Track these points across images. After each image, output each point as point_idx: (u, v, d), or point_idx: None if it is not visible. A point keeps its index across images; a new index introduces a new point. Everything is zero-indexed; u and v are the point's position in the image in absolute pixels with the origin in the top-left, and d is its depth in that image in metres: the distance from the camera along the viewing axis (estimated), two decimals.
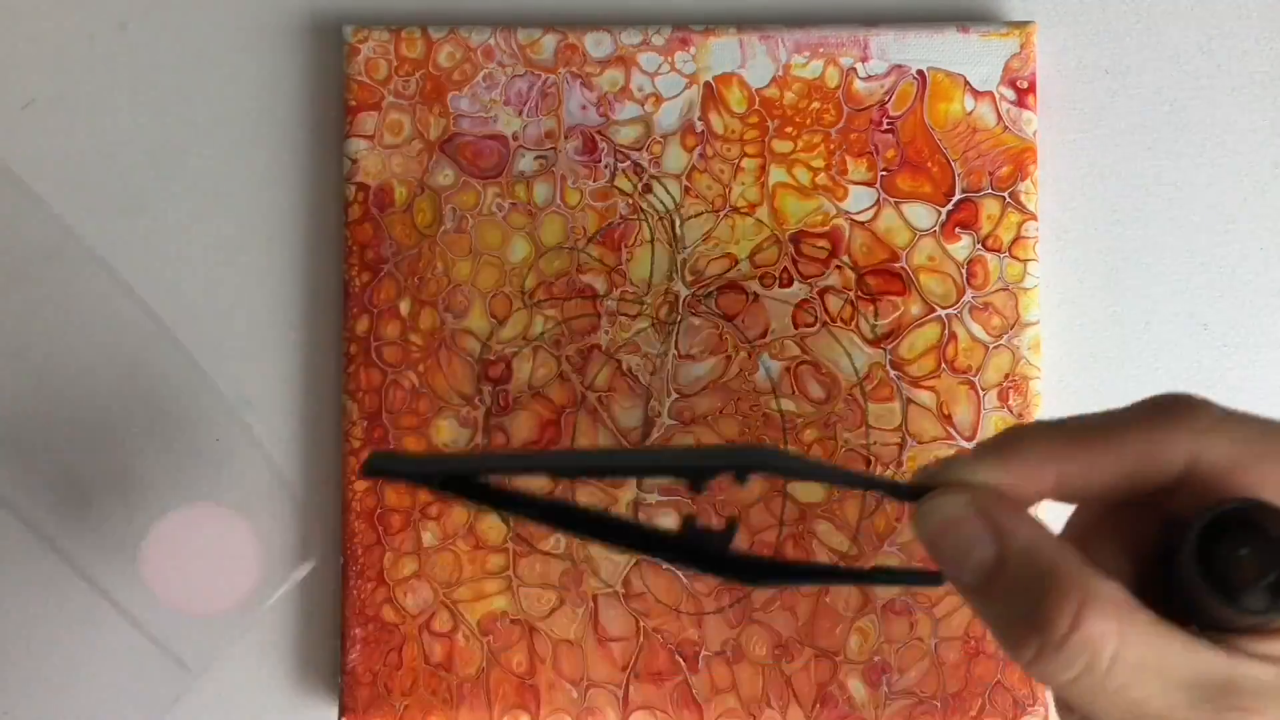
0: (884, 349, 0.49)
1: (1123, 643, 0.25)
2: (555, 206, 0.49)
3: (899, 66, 0.49)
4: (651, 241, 0.49)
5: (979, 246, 0.49)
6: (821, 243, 0.49)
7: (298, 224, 0.51)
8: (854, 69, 0.49)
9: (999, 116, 0.49)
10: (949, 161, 0.49)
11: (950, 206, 0.49)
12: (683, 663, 0.48)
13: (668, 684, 0.48)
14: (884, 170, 0.49)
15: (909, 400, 0.49)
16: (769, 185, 0.49)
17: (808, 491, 0.48)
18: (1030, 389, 0.48)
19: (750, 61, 0.49)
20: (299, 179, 0.51)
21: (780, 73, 0.49)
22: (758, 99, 0.49)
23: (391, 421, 0.49)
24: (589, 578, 0.48)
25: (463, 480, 0.31)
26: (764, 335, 0.49)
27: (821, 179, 0.49)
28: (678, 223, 0.49)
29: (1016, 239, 0.49)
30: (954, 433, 0.48)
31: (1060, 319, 0.50)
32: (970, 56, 0.49)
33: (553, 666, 0.48)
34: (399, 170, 0.49)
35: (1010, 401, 0.48)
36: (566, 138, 0.49)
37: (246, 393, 0.51)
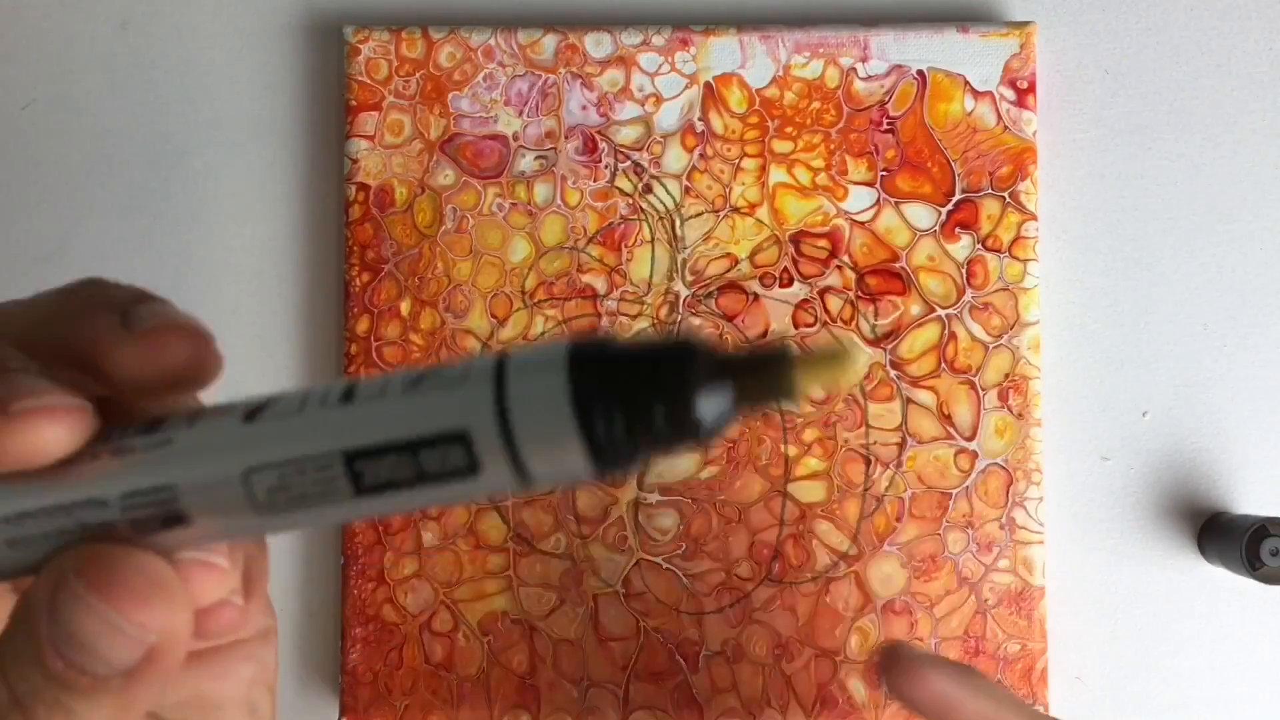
0: (884, 349, 0.49)
1: None
2: (555, 206, 0.49)
3: (899, 67, 0.49)
4: (652, 241, 0.49)
5: (979, 246, 0.49)
6: (821, 243, 0.49)
7: (298, 224, 0.51)
8: (854, 69, 0.49)
9: (999, 116, 0.49)
10: (949, 161, 0.49)
11: (950, 206, 0.49)
12: (683, 662, 0.48)
13: (668, 684, 0.48)
14: (884, 170, 0.49)
15: (909, 400, 0.49)
16: (769, 185, 0.49)
17: (808, 492, 0.48)
18: (1030, 389, 0.48)
19: (750, 61, 0.49)
20: (299, 179, 0.51)
21: (780, 73, 0.49)
22: (758, 99, 0.49)
23: None
24: (589, 577, 0.48)
25: None
26: (764, 335, 0.49)
27: (822, 179, 0.49)
28: (678, 223, 0.49)
29: (1016, 239, 0.49)
30: (954, 433, 0.48)
31: (1060, 319, 0.50)
32: (970, 57, 0.49)
33: (553, 666, 0.48)
34: (399, 170, 0.49)
35: (1010, 401, 0.48)
36: (567, 138, 0.49)
37: (246, 393, 0.51)
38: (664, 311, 0.49)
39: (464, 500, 0.21)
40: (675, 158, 0.49)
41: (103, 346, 0.22)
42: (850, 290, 0.49)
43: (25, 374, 0.21)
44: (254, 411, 0.21)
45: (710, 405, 0.19)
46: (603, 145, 0.49)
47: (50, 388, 0.21)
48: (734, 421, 0.20)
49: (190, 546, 0.22)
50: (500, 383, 0.20)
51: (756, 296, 0.49)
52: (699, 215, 0.49)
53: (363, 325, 0.49)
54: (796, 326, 0.49)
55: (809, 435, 0.49)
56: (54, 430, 0.21)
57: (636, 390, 0.19)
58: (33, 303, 0.24)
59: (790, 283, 0.49)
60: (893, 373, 0.49)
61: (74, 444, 0.21)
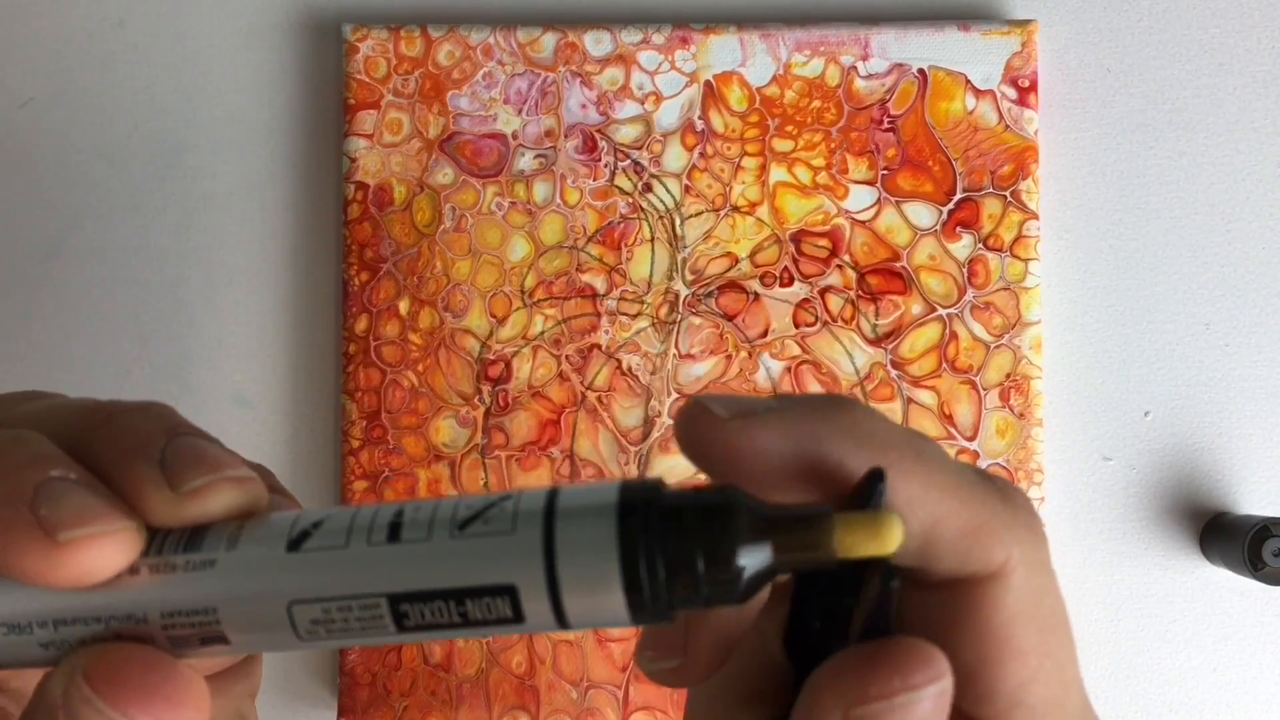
0: (885, 348, 0.49)
1: None
2: (555, 206, 0.49)
3: (900, 65, 0.49)
4: (652, 241, 0.49)
5: (980, 245, 0.49)
6: (822, 242, 0.49)
7: (297, 223, 0.51)
8: (855, 68, 0.49)
9: (1000, 115, 0.49)
10: (950, 160, 0.49)
11: (951, 205, 0.49)
12: None
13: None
14: (885, 169, 0.49)
15: (910, 400, 0.48)
16: (769, 184, 0.49)
17: None
18: (1032, 388, 0.48)
19: (751, 60, 0.49)
20: (298, 177, 0.51)
21: (781, 71, 0.49)
22: (758, 98, 0.49)
23: (391, 421, 0.49)
24: None
25: None
26: (764, 335, 0.49)
27: (822, 178, 0.49)
28: (678, 222, 0.49)
29: (1018, 238, 0.49)
30: (955, 432, 0.48)
31: (1062, 318, 0.50)
32: (971, 55, 0.49)
33: (552, 667, 0.48)
34: (398, 169, 0.49)
35: (1011, 401, 0.48)
36: (566, 136, 0.49)
37: (246, 393, 0.50)
38: (664, 311, 0.49)
39: (498, 636, 0.21)
40: (675, 156, 0.49)
41: (144, 500, 0.21)
42: (851, 290, 0.49)
43: (72, 488, 0.21)
44: (298, 539, 0.21)
45: (750, 563, 0.20)
46: (602, 144, 0.49)
47: (98, 510, 0.20)
48: (771, 580, 0.20)
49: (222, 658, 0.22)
50: (549, 533, 0.20)
51: (757, 296, 0.49)
52: (699, 214, 0.49)
53: (361, 324, 0.49)
54: (797, 326, 0.49)
55: None
56: (102, 556, 0.20)
57: (682, 547, 0.20)
58: (51, 420, 0.23)
59: (791, 282, 0.49)
60: (894, 372, 0.49)
61: (121, 566, 0.21)
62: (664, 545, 0.20)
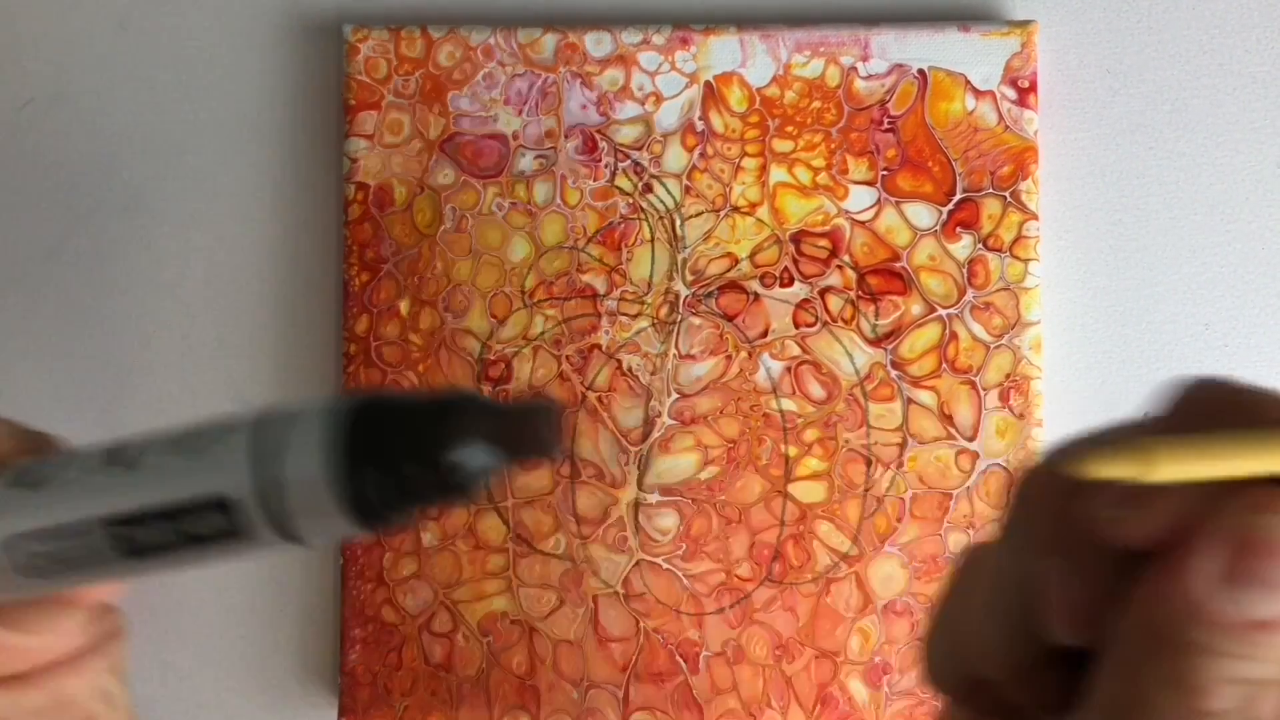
0: (885, 349, 0.49)
1: None
2: (555, 206, 0.49)
3: (900, 66, 0.49)
4: (652, 241, 0.49)
5: (980, 246, 0.49)
6: (822, 242, 0.49)
7: (297, 223, 0.51)
8: (855, 68, 0.49)
9: (1000, 116, 0.49)
10: (950, 161, 0.49)
11: (951, 206, 0.49)
12: (683, 663, 0.48)
13: (668, 684, 0.48)
14: (885, 170, 0.49)
15: (910, 400, 0.48)
16: (769, 185, 0.49)
17: (809, 492, 0.48)
18: (1031, 389, 0.48)
19: (751, 61, 0.49)
20: (298, 178, 0.51)
21: (781, 72, 0.49)
22: (758, 98, 0.49)
23: None
24: (589, 578, 0.48)
25: None
26: (764, 335, 0.49)
27: (822, 178, 0.49)
28: (678, 222, 0.49)
29: (1018, 238, 0.49)
30: (955, 433, 0.48)
31: (1062, 319, 0.50)
32: (971, 56, 0.49)
33: (553, 667, 0.48)
34: (399, 170, 0.49)
35: (1011, 401, 0.48)
36: (566, 137, 0.49)
37: (246, 393, 0.50)
38: (664, 311, 0.49)
39: (232, 558, 0.21)
40: (675, 157, 0.49)
41: None
42: (851, 290, 0.49)
43: None
44: (14, 480, 0.21)
45: (468, 459, 0.19)
46: (603, 144, 0.49)
47: None
48: (494, 474, 0.20)
49: None
50: (255, 442, 0.19)
51: (757, 296, 0.49)
52: (699, 215, 0.49)
53: (362, 325, 0.49)
54: (797, 326, 0.49)
55: (809, 435, 0.49)
56: None
57: (392, 449, 0.19)
58: None
59: (791, 282, 0.49)
60: (893, 373, 0.49)
61: None
62: (373, 446, 0.19)
